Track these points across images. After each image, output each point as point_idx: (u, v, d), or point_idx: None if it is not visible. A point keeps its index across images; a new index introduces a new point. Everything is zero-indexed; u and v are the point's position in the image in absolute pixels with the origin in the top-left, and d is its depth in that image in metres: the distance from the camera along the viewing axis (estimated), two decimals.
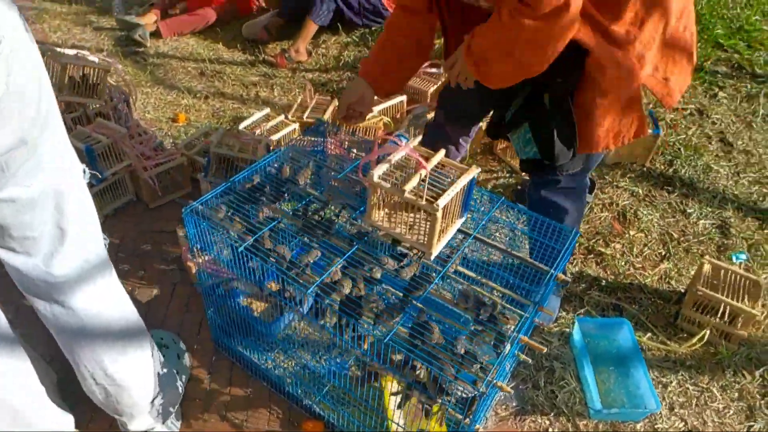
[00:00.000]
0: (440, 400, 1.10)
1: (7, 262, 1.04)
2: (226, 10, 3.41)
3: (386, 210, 1.29)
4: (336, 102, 2.56)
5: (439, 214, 1.15)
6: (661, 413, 1.58)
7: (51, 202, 0.98)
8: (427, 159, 1.23)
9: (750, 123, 2.61)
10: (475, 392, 1.02)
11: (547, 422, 1.56)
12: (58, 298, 1.11)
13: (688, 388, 1.66)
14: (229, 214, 1.36)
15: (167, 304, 1.82)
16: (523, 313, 1.20)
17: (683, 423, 1.58)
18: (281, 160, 1.54)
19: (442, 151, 1.28)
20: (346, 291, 1.20)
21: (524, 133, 1.55)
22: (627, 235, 2.12)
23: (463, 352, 1.08)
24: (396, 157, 1.25)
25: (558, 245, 1.34)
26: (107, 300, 1.20)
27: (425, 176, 1.19)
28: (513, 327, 1.15)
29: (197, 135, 2.37)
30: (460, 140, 1.93)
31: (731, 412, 1.61)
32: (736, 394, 1.65)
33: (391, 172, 1.24)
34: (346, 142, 1.75)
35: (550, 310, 1.31)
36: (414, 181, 1.19)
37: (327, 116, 2.45)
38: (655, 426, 1.56)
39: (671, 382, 1.67)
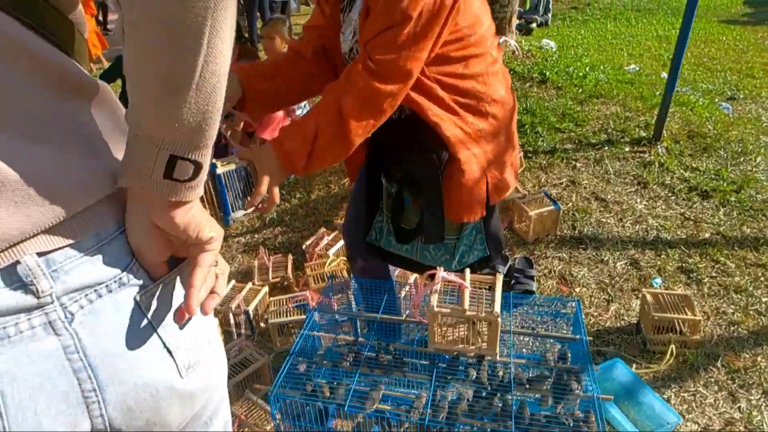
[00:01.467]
0: None
1: None
2: None
3: (444, 332, 1.51)
4: (290, 256, 2.74)
5: (500, 320, 1.42)
6: (679, 424, 1.91)
7: None
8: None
9: (608, 180, 3.33)
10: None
11: None
12: None
13: (683, 396, 2.02)
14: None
15: None
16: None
17: (696, 425, 1.92)
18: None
19: (468, 270, 1.56)
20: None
21: (469, 232, 1.70)
22: (574, 293, 2.54)
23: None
24: (439, 286, 1.51)
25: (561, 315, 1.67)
26: None
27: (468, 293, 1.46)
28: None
29: None
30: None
31: (721, 402, 1.99)
32: (716, 387, 2.05)
33: (440, 301, 1.49)
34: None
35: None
36: (467, 301, 1.44)
37: (290, 272, 2.61)
38: None
39: (670, 397, 2.02)
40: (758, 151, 3.52)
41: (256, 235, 3.20)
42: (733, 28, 7.82)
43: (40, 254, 0.56)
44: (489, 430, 1.32)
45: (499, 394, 1.40)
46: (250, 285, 2.51)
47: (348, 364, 1.57)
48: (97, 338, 0.61)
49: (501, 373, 1.47)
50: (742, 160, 3.44)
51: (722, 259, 2.66)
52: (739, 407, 1.96)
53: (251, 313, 2.37)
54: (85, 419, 0.62)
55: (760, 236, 2.78)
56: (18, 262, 0.55)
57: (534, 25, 7.32)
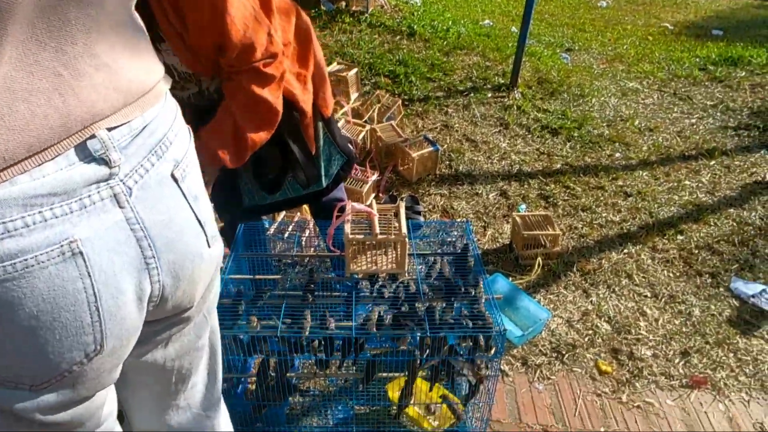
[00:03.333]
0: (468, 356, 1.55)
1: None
2: None
3: (357, 258, 1.67)
4: None
5: (407, 240, 1.61)
6: (549, 319, 2.29)
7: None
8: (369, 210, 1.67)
9: (475, 123, 3.68)
10: (497, 332, 1.50)
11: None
12: None
13: (550, 298, 2.42)
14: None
15: None
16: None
17: (561, 318, 2.32)
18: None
19: (374, 202, 1.73)
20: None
21: (323, 147, 1.80)
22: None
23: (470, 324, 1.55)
24: (350, 216, 1.65)
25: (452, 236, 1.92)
26: None
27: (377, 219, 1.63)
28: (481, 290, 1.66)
29: None
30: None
31: (578, 298, 2.42)
32: (573, 287, 2.48)
33: (354, 229, 1.64)
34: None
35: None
36: (377, 226, 1.61)
37: None
38: (551, 328, 2.26)
39: (540, 300, 2.41)
40: (593, 94, 4.10)
41: None
42: None
43: (109, 129, 0.64)
44: (409, 335, 1.52)
45: (409, 306, 1.61)
46: None
47: (276, 296, 1.67)
48: (150, 211, 0.69)
49: (412, 289, 1.68)
50: (581, 101, 3.99)
51: (571, 184, 3.13)
52: (591, 301, 2.41)
53: None
54: (147, 283, 0.71)
55: (598, 164, 3.31)
56: (93, 135, 0.62)
57: None
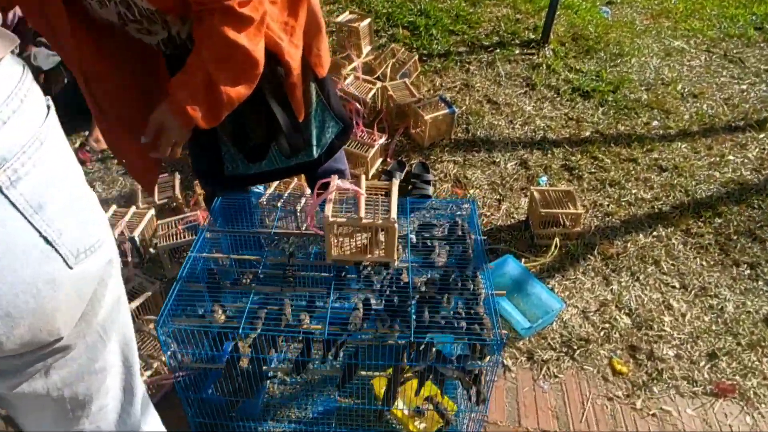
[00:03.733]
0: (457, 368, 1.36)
1: None
2: None
3: (341, 242, 1.47)
4: (177, 174, 2.53)
5: (396, 226, 1.40)
6: (562, 309, 2.08)
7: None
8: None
9: (499, 82, 3.36)
10: (494, 339, 1.30)
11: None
12: None
13: (565, 284, 2.20)
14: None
15: None
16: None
17: (576, 308, 2.11)
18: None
19: (363, 178, 1.51)
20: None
21: (316, 112, 1.61)
22: (468, 195, 2.61)
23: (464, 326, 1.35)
24: (333, 195, 1.44)
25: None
26: None
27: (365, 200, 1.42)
28: (481, 286, 1.46)
29: None
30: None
31: (596, 286, 2.20)
32: (592, 273, 2.25)
33: (335, 210, 1.43)
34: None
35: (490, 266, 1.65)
36: (363, 209, 1.40)
37: (177, 192, 2.42)
38: (563, 319, 2.06)
39: (554, 286, 2.19)
40: (633, 53, 3.71)
41: None
42: None
43: None
44: (387, 338, 1.34)
45: (398, 300, 1.41)
46: (133, 209, 2.29)
47: (247, 282, 1.51)
48: None
49: (405, 279, 1.48)
50: (619, 61, 3.61)
51: (600, 155, 2.84)
52: (611, 289, 2.18)
53: (137, 239, 2.19)
54: None
55: (632, 133, 2.99)
56: None
57: None
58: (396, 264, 1.48)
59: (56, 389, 0.75)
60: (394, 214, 1.39)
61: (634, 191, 2.64)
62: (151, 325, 1.87)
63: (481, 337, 1.30)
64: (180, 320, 1.34)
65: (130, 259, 2.19)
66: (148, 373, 1.75)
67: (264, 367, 1.50)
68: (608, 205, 2.56)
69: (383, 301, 1.42)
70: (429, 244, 1.59)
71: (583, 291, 2.17)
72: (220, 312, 1.39)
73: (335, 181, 1.45)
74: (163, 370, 1.78)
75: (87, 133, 2.86)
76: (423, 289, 1.44)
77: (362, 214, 1.39)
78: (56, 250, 0.60)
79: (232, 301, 1.49)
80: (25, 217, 0.56)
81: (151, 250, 2.25)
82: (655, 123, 3.10)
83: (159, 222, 2.29)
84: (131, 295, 1.94)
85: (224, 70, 1.24)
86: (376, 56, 3.16)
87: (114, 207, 2.32)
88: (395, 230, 1.40)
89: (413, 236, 1.60)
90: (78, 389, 0.78)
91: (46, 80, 3.20)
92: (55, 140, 0.61)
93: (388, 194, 1.48)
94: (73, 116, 3.00)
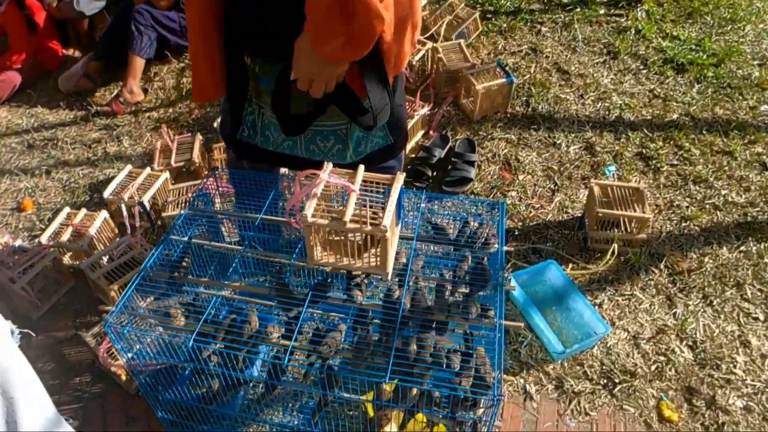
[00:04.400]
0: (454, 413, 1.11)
1: None
2: (30, 68, 2.96)
3: (326, 245, 1.23)
4: (199, 136, 2.37)
5: (389, 234, 1.13)
6: (606, 334, 1.75)
7: None
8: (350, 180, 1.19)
9: (574, 48, 2.90)
10: (493, 396, 1.03)
11: (522, 380, 1.65)
12: None
13: (618, 301, 1.85)
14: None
15: (104, 420, 1.60)
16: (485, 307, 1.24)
17: (626, 332, 1.77)
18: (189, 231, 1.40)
19: (362, 167, 1.25)
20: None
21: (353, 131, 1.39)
22: (517, 181, 2.27)
23: (457, 367, 1.08)
24: (318, 189, 1.19)
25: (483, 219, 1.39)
26: None
27: (356, 198, 1.16)
28: (493, 316, 1.18)
29: (61, 219, 2.05)
30: None
31: (656, 307, 1.83)
32: (654, 290, 1.88)
33: (319, 206, 1.18)
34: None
35: (512, 286, 1.35)
36: (351, 209, 1.14)
37: (196, 155, 2.26)
38: (607, 344, 1.73)
39: (603, 301, 1.85)
40: (749, 19, 3.08)
41: (170, 110, 2.78)
42: None
43: None
44: (358, 378, 1.10)
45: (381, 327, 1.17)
46: (148, 171, 2.16)
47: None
48: None
49: (396, 296, 1.23)
50: (729, 28, 3.01)
51: (687, 144, 2.37)
52: (675, 313, 1.81)
53: (147, 203, 2.06)
54: None
55: (733, 119, 2.48)
56: None
57: None
58: (390, 277, 1.23)
59: None
60: (387, 220, 1.12)
61: (724, 192, 2.18)
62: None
63: (480, 385, 1.03)
64: (123, 320, 1.17)
65: (138, 224, 2.07)
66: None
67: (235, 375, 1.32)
68: (688, 208, 2.13)
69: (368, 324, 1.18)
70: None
71: (638, 312, 1.82)
72: (179, 315, 1.21)
73: (323, 174, 1.19)
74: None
75: (122, 84, 2.76)
76: (410, 310, 1.18)
77: (348, 216, 1.13)
78: None
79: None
80: None
81: (163, 215, 2.12)
82: (764, 108, 2.55)
83: (174, 187, 2.15)
84: (128, 267, 1.82)
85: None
86: (432, 11, 2.79)
87: (129, 167, 2.21)
88: (386, 241, 1.14)
89: (419, 243, 1.33)
90: None
91: (89, 26, 3.12)
92: None
93: (387, 192, 1.21)
94: (111, 65, 2.91)
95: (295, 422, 1.50)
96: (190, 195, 2.06)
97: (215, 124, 2.47)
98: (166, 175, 2.16)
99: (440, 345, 1.14)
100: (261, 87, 1.35)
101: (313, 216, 1.14)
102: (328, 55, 1.13)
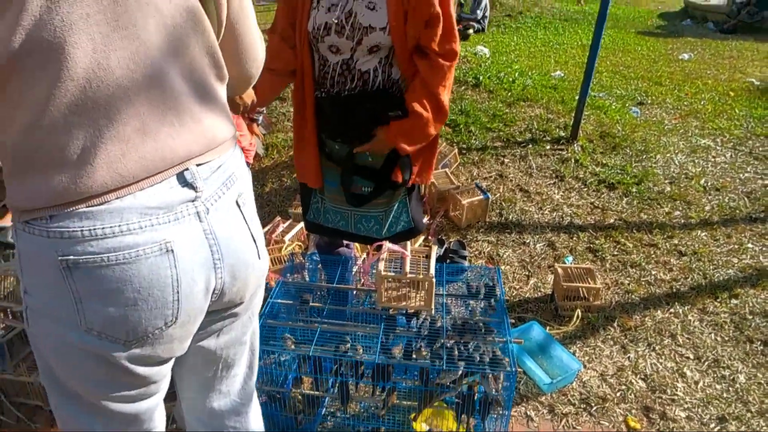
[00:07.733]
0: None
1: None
2: None
3: (389, 294, 1.84)
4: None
5: (434, 280, 1.76)
6: (581, 371, 2.32)
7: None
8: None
9: (531, 174, 3.77)
10: (509, 369, 1.60)
11: (523, 408, 2.18)
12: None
13: (586, 350, 2.45)
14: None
15: None
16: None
17: (595, 371, 2.34)
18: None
19: (408, 244, 1.90)
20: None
21: (396, 207, 1.93)
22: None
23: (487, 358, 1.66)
24: (384, 254, 1.83)
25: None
26: None
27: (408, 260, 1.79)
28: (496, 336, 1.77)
29: None
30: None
31: (614, 353, 2.43)
32: (611, 342, 2.49)
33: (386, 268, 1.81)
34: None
35: (519, 340, 1.96)
36: (408, 267, 1.78)
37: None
38: (582, 380, 2.29)
39: (575, 351, 2.44)
40: (658, 150, 4.08)
41: None
42: (648, 39, 8.60)
43: (197, 165, 0.93)
44: (425, 368, 1.66)
45: (430, 340, 1.74)
46: None
47: (311, 322, 1.87)
48: (220, 226, 0.95)
49: (438, 324, 1.81)
50: (644, 157, 3.98)
51: (623, 240, 3.14)
52: (629, 357, 2.41)
53: None
54: (213, 278, 0.97)
55: (654, 221, 3.29)
56: (187, 168, 0.91)
57: (471, 31, 7.80)
58: (432, 311, 1.82)
59: (220, 348, 1.13)
60: (432, 271, 1.76)
61: (653, 272, 2.90)
62: None
63: (497, 361, 1.60)
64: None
65: None
66: None
67: (318, 392, 1.82)
68: (629, 284, 2.83)
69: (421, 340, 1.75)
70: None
71: (602, 357, 2.41)
72: (290, 342, 1.75)
73: (386, 245, 1.84)
74: None
75: None
76: (450, 330, 1.77)
77: (407, 270, 1.76)
78: (256, 247, 1.05)
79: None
80: (247, 225, 1.02)
81: None
82: (676, 213, 3.39)
83: None
84: None
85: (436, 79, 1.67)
86: None
87: None
88: (433, 283, 1.76)
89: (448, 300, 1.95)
90: (230, 353, 1.16)
91: None
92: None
93: (427, 256, 1.85)
94: None
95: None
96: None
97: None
98: None
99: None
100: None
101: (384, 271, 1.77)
102: (401, 150, 1.72)
